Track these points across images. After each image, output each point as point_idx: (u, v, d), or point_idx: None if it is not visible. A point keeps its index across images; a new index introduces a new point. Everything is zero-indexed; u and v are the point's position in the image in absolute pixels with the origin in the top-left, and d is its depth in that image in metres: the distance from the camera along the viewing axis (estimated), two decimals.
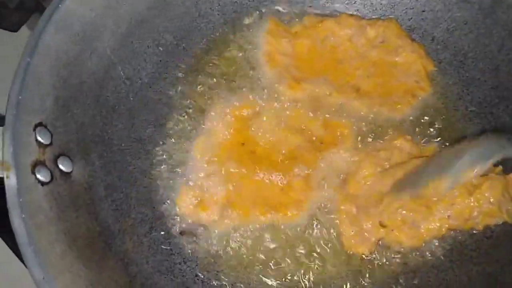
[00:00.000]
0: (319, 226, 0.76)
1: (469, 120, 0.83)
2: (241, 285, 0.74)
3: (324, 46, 0.88)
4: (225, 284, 0.74)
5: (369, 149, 0.80)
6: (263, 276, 0.74)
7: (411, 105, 0.84)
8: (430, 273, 0.72)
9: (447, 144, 0.80)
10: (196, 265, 0.74)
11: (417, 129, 0.82)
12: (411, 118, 0.84)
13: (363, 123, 0.82)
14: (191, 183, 0.78)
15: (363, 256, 0.75)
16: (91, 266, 0.64)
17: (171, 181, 0.80)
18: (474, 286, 0.70)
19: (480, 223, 0.71)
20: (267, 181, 0.78)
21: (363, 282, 0.74)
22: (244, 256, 0.75)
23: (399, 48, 0.85)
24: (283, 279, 0.75)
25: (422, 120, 0.83)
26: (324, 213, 0.77)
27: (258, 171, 0.78)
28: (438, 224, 0.72)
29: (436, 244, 0.74)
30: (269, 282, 0.74)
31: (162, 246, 0.75)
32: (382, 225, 0.74)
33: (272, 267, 0.75)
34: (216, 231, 0.76)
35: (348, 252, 0.75)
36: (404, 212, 0.73)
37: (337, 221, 0.76)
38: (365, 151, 0.79)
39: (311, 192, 0.77)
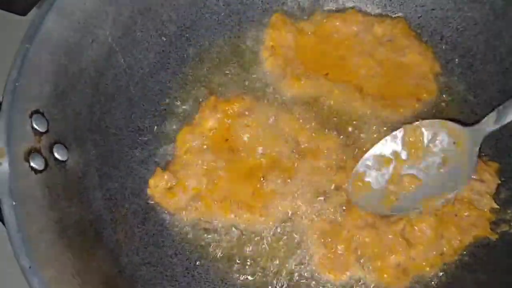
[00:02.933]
0: (283, 237, 0.75)
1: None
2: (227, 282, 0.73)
3: (329, 43, 0.86)
4: (213, 279, 0.73)
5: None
6: (242, 274, 0.74)
7: (415, 109, 0.81)
8: (422, 278, 0.71)
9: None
10: (187, 259, 0.74)
11: None
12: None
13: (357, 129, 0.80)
14: (168, 169, 0.79)
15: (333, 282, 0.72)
16: (80, 256, 0.64)
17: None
18: None
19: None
20: (240, 181, 0.77)
21: None
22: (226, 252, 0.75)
23: (406, 48, 0.83)
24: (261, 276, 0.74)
25: None
26: (290, 226, 0.75)
27: (234, 170, 0.78)
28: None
29: None
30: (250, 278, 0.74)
31: (154, 238, 0.75)
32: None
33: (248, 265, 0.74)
34: (185, 218, 0.76)
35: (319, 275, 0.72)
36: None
37: (304, 237, 0.74)
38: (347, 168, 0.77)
39: (282, 201, 0.75)
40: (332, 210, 0.75)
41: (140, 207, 0.76)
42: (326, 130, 0.80)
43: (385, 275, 0.70)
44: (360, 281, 0.71)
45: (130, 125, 0.81)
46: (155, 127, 0.83)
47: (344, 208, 0.75)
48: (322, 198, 0.75)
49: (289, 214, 0.75)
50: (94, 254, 0.67)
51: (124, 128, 0.80)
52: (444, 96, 0.83)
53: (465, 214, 0.72)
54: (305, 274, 0.72)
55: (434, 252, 0.72)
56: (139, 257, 0.72)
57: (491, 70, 0.81)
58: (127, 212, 0.75)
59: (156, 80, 0.84)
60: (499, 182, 0.74)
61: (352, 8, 0.88)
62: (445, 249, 0.72)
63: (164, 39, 0.86)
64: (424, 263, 0.71)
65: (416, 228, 0.73)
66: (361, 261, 0.72)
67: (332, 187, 0.76)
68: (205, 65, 0.87)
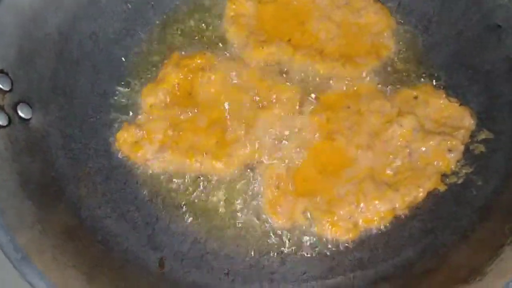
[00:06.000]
0: (244, 182, 0.78)
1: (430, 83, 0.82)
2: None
3: (289, 9, 0.88)
4: (174, 232, 0.76)
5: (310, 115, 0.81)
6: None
7: (375, 65, 0.84)
8: (369, 230, 0.74)
9: None
10: (149, 214, 0.77)
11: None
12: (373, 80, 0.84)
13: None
14: (135, 123, 0.82)
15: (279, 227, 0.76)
16: (41, 207, 0.67)
17: None
18: (414, 242, 0.71)
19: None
20: (204, 132, 0.80)
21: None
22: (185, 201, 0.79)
23: (362, 10, 0.85)
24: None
25: (383, 86, 0.83)
26: (251, 172, 0.79)
27: (198, 122, 0.81)
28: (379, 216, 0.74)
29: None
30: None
31: (116, 195, 0.77)
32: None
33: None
34: (150, 171, 0.79)
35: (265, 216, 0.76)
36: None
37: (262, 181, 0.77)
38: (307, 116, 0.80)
39: (244, 149, 0.79)
40: (291, 155, 0.78)
41: (103, 166, 0.79)
42: (286, 84, 0.82)
43: (333, 228, 0.72)
44: (304, 228, 0.73)
45: (95, 90, 0.83)
46: (120, 90, 0.85)
47: (301, 154, 0.78)
48: (281, 143, 0.79)
49: (252, 160, 0.79)
50: (55, 205, 0.70)
51: (89, 92, 0.82)
52: (401, 58, 0.85)
53: (431, 143, 0.74)
54: (251, 213, 0.76)
55: (387, 207, 0.74)
56: (101, 211, 0.75)
57: (446, 33, 0.83)
58: (90, 170, 0.78)
59: (121, 46, 0.87)
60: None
61: None
62: (397, 204, 0.74)
63: (129, 6, 0.88)
64: (375, 217, 0.73)
65: (373, 180, 0.75)
66: (309, 211, 0.74)
67: (291, 132, 0.79)
68: (170, 31, 0.89)
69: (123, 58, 0.87)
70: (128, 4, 0.88)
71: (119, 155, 0.80)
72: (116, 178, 0.79)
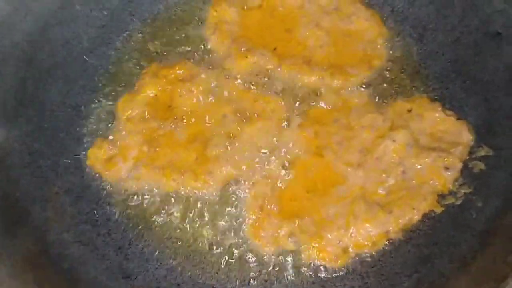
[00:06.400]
0: (225, 203, 0.73)
1: (425, 95, 0.77)
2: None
3: (275, 16, 0.83)
4: (149, 257, 0.70)
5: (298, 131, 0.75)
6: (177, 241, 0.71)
7: (366, 76, 0.78)
8: (361, 255, 0.68)
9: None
10: (121, 238, 0.71)
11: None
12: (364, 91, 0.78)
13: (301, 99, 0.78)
14: (108, 138, 0.76)
15: (263, 252, 0.70)
16: (1, 232, 0.61)
17: None
18: (409, 270, 0.66)
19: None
20: (183, 147, 0.74)
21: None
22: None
23: (352, 16, 0.81)
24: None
25: (375, 99, 0.77)
26: (233, 190, 0.73)
27: (177, 136, 0.75)
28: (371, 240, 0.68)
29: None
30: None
31: (87, 216, 0.72)
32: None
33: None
34: (126, 189, 0.73)
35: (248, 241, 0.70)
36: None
37: (244, 200, 0.72)
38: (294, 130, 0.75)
39: (226, 165, 0.73)
40: (277, 172, 0.72)
41: (74, 186, 0.74)
42: (271, 95, 0.76)
43: (321, 254, 0.67)
44: (289, 254, 0.68)
45: (66, 101, 0.78)
46: (94, 102, 0.79)
47: (288, 171, 0.72)
48: (266, 160, 0.73)
49: (234, 179, 0.73)
50: (18, 230, 0.65)
51: (60, 104, 0.77)
52: (395, 69, 0.80)
53: (426, 160, 0.69)
54: (233, 237, 0.70)
55: (379, 230, 0.68)
56: (69, 236, 0.69)
57: (443, 40, 0.79)
58: (59, 190, 0.72)
59: (96, 55, 0.81)
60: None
61: None
62: (390, 228, 0.68)
63: (105, 13, 0.83)
64: (366, 242, 0.68)
65: (364, 201, 0.69)
66: (295, 235, 0.68)
67: (276, 147, 0.74)
68: (148, 39, 0.83)
69: (98, 68, 0.81)
70: (104, 11, 0.82)
71: (91, 173, 0.74)
72: (87, 198, 0.73)
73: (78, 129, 0.78)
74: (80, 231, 0.70)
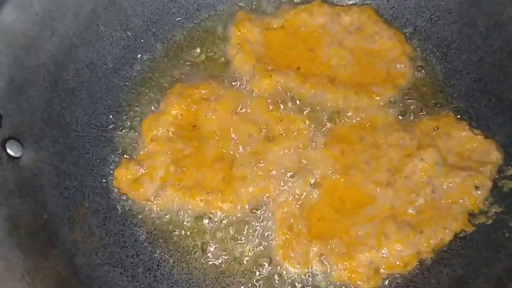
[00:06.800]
0: (253, 223, 0.72)
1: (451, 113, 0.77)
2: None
3: (297, 36, 0.83)
4: (178, 279, 0.69)
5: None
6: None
7: (391, 94, 0.79)
8: (393, 276, 0.67)
9: None
10: (150, 259, 0.70)
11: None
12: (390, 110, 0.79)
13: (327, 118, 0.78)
14: (134, 159, 0.76)
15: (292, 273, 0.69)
16: (32, 255, 0.61)
17: None
18: None
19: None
20: (210, 167, 0.74)
21: None
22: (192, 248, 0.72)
23: (375, 35, 0.81)
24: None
25: (400, 117, 0.78)
26: (260, 210, 0.73)
27: (203, 156, 0.75)
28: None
29: None
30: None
31: (115, 238, 0.71)
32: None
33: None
34: (153, 209, 0.73)
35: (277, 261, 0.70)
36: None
37: (272, 221, 0.72)
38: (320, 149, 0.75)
39: (252, 185, 0.73)
40: (304, 192, 0.72)
41: (101, 206, 0.73)
42: (296, 114, 0.77)
43: (352, 275, 0.66)
44: (320, 275, 0.67)
45: (92, 122, 0.78)
46: (119, 123, 0.79)
47: (315, 190, 0.72)
48: (293, 179, 0.73)
49: (261, 198, 0.73)
50: (48, 253, 0.64)
51: (85, 124, 0.77)
52: (419, 87, 0.80)
53: (456, 179, 0.69)
54: (261, 258, 0.70)
55: (411, 250, 0.68)
56: (98, 258, 0.68)
57: (467, 59, 0.79)
58: (86, 211, 0.71)
59: (120, 76, 0.82)
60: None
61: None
62: (422, 248, 0.68)
63: (129, 34, 0.83)
64: (398, 262, 0.67)
65: (394, 221, 0.69)
66: (325, 256, 0.68)
67: (303, 166, 0.74)
68: (172, 59, 0.84)
69: (122, 88, 0.81)
70: (128, 32, 0.83)
71: (118, 193, 0.74)
72: (114, 219, 0.73)
73: (104, 149, 0.77)
74: (108, 253, 0.70)
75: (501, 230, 0.66)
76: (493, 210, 0.69)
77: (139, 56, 0.84)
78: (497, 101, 0.75)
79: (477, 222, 0.69)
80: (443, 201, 0.70)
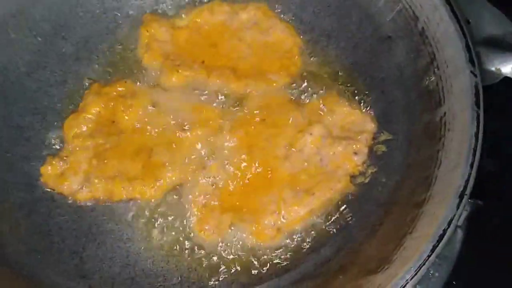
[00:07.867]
0: (172, 204, 0.81)
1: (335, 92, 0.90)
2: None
3: (201, 33, 0.93)
4: (103, 258, 0.77)
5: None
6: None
7: (286, 81, 0.90)
8: (292, 233, 0.79)
9: None
10: (75, 244, 0.77)
11: None
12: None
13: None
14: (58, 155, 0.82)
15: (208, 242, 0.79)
16: None
17: None
18: (331, 237, 0.77)
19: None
20: (129, 158, 0.82)
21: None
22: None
23: (270, 29, 0.92)
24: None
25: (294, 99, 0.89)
26: (179, 193, 0.82)
27: (122, 149, 0.83)
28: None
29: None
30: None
31: (41, 228, 0.77)
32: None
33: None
34: (78, 202, 0.80)
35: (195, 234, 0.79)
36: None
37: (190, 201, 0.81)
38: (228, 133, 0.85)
39: (171, 171, 0.82)
40: (218, 173, 0.82)
41: (25, 200, 0.78)
42: (205, 104, 0.86)
43: (260, 237, 0.77)
44: (231, 240, 0.78)
45: (8, 123, 0.82)
46: (37, 123, 0.84)
47: (226, 170, 0.82)
48: (206, 162, 0.83)
49: (179, 182, 0.82)
50: None
51: (2, 126, 0.81)
52: (310, 72, 0.92)
53: (339, 148, 0.82)
54: (180, 232, 0.79)
55: (305, 210, 0.79)
56: (25, 246, 0.74)
57: (344, 46, 0.91)
58: (12, 205, 0.77)
59: (34, 79, 0.86)
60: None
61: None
62: (314, 206, 0.80)
63: (40, 39, 0.88)
64: (296, 221, 0.79)
65: (290, 188, 0.80)
66: (235, 224, 0.79)
67: (215, 150, 0.83)
68: (85, 61, 0.90)
69: (36, 91, 0.86)
70: (38, 37, 0.88)
71: (42, 188, 0.80)
72: (39, 211, 0.78)
73: (23, 147, 0.82)
74: (35, 241, 0.76)
75: (376, 187, 0.80)
76: (369, 171, 0.82)
77: (50, 59, 0.89)
78: (370, 80, 0.89)
79: (357, 182, 0.82)
80: (329, 167, 0.82)
